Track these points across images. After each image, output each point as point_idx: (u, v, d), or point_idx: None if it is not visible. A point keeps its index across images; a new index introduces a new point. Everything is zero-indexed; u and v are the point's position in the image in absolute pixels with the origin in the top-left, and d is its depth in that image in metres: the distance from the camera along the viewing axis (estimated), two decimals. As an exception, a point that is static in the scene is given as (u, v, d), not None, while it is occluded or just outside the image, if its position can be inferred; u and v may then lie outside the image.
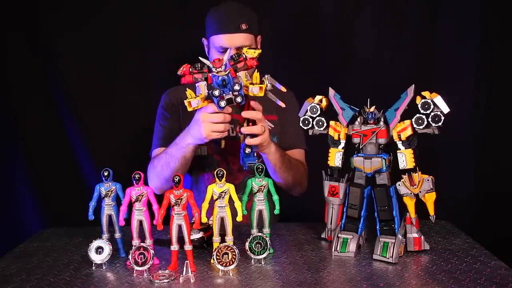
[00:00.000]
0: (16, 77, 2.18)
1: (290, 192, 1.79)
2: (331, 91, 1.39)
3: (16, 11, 2.12)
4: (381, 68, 2.21)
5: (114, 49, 2.19)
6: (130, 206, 1.29)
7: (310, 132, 1.44)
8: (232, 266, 1.23)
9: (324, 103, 1.41)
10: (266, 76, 1.39)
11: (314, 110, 1.40)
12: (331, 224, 1.45)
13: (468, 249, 1.37)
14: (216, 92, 1.36)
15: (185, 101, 1.39)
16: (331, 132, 1.40)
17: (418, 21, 2.19)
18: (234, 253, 1.23)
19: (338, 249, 1.34)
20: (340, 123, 1.37)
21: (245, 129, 1.45)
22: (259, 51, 1.42)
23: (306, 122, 1.42)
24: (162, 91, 1.96)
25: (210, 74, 1.37)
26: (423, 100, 1.26)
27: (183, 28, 2.12)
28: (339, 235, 1.36)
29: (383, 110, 1.33)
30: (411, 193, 1.28)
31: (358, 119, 1.35)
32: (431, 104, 1.25)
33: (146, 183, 1.31)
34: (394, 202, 1.32)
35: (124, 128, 2.23)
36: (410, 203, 1.30)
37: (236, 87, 1.36)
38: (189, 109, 1.39)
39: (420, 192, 1.27)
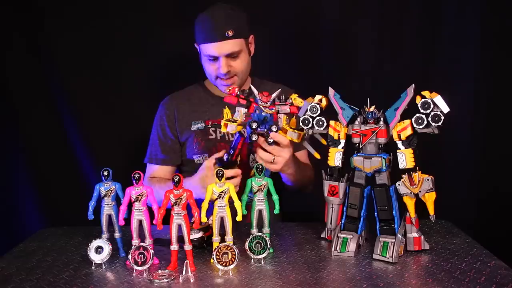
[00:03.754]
0: (16, 77, 2.17)
1: (296, 192, 1.80)
2: (331, 91, 1.38)
3: (16, 11, 2.12)
4: (381, 68, 2.21)
5: (115, 49, 2.19)
6: (130, 205, 1.29)
7: (310, 132, 1.43)
8: (232, 266, 1.23)
9: (324, 102, 1.41)
10: (306, 128, 1.44)
11: (314, 109, 1.40)
12: (331, 223, 1.45)
13: (468, 248, 1.37)
14: (254, 125, 1.41)
15: (222, 121, 1.43)
16: (331, 131, 1.39)
17: (418, 21, 2.19)
18: (234, 253, 1.23)
19: (338, 248, 1.34)
20: (340, 122, 1.37)
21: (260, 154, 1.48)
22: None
23: (306, 121, 1.42)
24: (162, 91, 1.96)
25: (255, 105, 1.42)
26: (423, 100, 1.26)
27: (185, 30, 2.12)
28: (339, 234, 1.36)
29: (383, 109, 1.33)
30: (411, 192, 1.28)
31: (358, 119, 1.35)
32: (431, 103, 1.25)
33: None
34: (394, 202, 1.32)
35: (124, 128, 2.22)
36: (410, 203, 1.29)
37: (273, 128, 1.41)
38: (223, 130, 1.44)
39: (420, 191, 1.27)
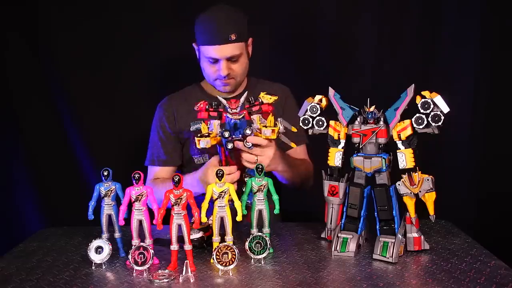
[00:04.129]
0: (16, 77, 2.18)
1: (297, 189, 1.80)
2: (331, 91, 1.38)
3: (16, 11, 2.12)
4: (381, 68, 2.22)
5: (115, 49, 2.19)
6: (130, 205, 1.29)
7: (310, 132, 1.43)
8: (232, 266, 1.23)
9: (324, 102, 1.41)
10: (279, 119, 1.44)
11: (314, 109, 1.40)
12: (331, 223, 1.45)
13: (468, 248, 1.37)
14: (226, 134, 1.39)
15: (195, 138, 1.42)
16: (331, 131, 1.39)
17: (418, 21, 2.19)
18: (234, 253, 1.23)
19: (338, 248, 1.34)
20: (340, 122, 1.37)
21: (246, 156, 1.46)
22: (275, 97, 1.45)
23: (306, 121, 1.42)
24: (162, 91, 1.96)
25: (225, 115, 1.41)
26: (423, 100, 1.26)
27: (185, 29, 2.12)
28: (339, 234, 1.36)
29: (383, 109, 1.33)
30: (411, 192, 1.28)
31: (358, 119, 1.35)
32: (431, 103, 1.25)
33: (145, 183, 1.31)
34: (394, 202, 1.31)
35: (124, 128, 2.23)
36: (410, 203, 1.29)
37: (247, 131, 1.39)
38: (198, 146, 1.41)
39: (420, 191, 1.27)
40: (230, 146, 1.41)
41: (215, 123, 1.44)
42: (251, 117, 1.44)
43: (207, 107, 1.45)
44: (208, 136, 1.41)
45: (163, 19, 2.18)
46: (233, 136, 1.40)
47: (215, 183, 1.27)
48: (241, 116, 1.40)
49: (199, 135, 1.43)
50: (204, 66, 1.79)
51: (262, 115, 1.45)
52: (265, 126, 1.43)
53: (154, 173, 1.87)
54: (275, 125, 1.43)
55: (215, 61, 1.73)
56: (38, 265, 1.33)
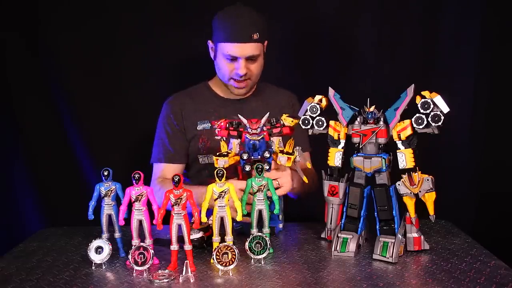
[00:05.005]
0: (16, 77, 2.17)
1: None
2: (331, 91, 1.39)
3: (15, 11, 2.12)
4: (381, 68, 2.21)
5: (115, 48, 2.19)
6: (130, 205, 1.29)
7: (310, 132, 1.44)
8: (231, 266, 1.23)
9: (324, 102, 1.41)
10: (297, 147, 1.43)
11: (314, 109, 1.40)
12: (331, 223, 1.45)
13: (468, 248, 1.37)
14: (245, 156, 1.39)
15: (214, 157, 1.42)
16: (331, 131, 1.39)
17: (418, 21, 2.19)
18: (233, 253, 1.23)
19: (338, 248, 1.34)
20: (340, 122, 1.37)
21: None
22: (296, 121, 1.44)
23: (306, 121, 1.42)
24: (162, 91, 1.96)
25: (245, 135, 1.40)
26: (422, 100, 1.26)
27: (186, 29, 2.12)
28: (339, 234, 1.36)
29: (383, 109, 1.33)
30: (411, 192, 1.28)
31: (358, 119, 1.35)
32: (431, 103, 1.25)
33: (145, 182, 1.31)
34: (394, 202, 1.32)
35: (124, 128, 2.22)
36: (409, 203, 1.30)
37: (266, 154, 1.39)
38: (216, 165, 1.40)
39: (420, 191, 1.27)
40: (247, 168, 1.40)
41: (235, 142, 1.43)
42: (271, 139, 1.42)
43: (227, 125, 1.44)
44: (227, 155, 1.40)
45: (164, 19, 2.17)
46: (252, 157, 1.39)
47: (215, 183, 1.27)
48: (260, 137, 1.39)
49: (217, 154, 1.42)
50: (221, 64, 1.76)
51: (282, 138, 1.44)
52: (282, 151, 1.41)
53: (160, 171, 1.84)
54: (292, 152, 1.42)
55: (234, 59, 1.71)
56: (38, 265, 1.33)
